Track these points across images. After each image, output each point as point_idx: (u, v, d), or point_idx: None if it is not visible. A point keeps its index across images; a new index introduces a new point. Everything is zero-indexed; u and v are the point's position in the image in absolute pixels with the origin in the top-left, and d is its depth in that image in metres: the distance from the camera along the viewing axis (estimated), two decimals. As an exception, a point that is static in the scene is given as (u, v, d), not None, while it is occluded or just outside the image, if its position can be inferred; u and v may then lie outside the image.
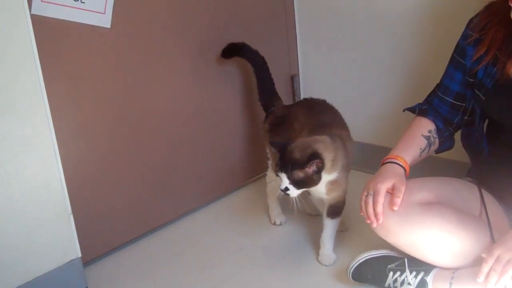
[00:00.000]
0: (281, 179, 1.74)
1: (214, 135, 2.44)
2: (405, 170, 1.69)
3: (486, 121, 1.77)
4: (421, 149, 1.76)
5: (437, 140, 1.80)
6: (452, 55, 1.77)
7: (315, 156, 1.71)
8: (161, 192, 2.25)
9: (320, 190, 1.82)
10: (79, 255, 1.87)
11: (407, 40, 2.30)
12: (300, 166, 1.70)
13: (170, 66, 2.20)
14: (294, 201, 1.76)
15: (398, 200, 1.59)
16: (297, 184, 1.73)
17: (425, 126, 1.79)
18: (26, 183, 1.70)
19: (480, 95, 1.66)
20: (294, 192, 1.74)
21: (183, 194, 2.34)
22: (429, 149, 1.78)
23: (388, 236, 1.63)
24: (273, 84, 2.27)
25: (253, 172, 2.58)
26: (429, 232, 1.58)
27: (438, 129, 1.79)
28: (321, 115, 1.99)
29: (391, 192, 1.62)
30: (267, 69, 2.26)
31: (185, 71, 2.26)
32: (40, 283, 1.77)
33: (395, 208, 1.58)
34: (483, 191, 1.72)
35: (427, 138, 1.77)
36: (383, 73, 2.44)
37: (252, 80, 2.31)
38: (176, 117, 2.27)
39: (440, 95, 1.79)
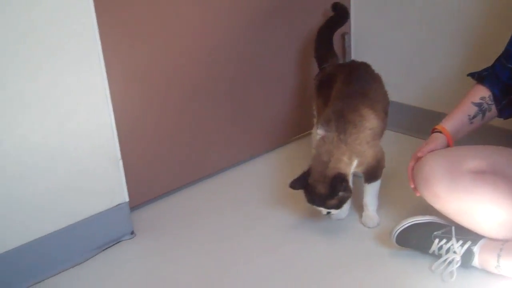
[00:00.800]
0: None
1: (267, 89, 2.42)
2: (447, 139, 1.71)
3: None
4: (469, 115, 1.72)
5: (493, 107, 1.73)
6: None
7: (336, 182, 1.73)
8: (210, 142, 2.26)
9: None
10: (127, 199, 1.91)
11: (469, 1, 2.21)
12: (329, 198, 1.75)
13: (227, 16, 2.18)
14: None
15: (421, 152, 1.67)
16: (336, 207, 1.78)
17: (478, 94, 1.74)
18: (78, 128, 1.73)
19: None
20: (337, 211, 1.81)
21: (232, 145, 2.36)
22: (482, 115, 1.73)
23: (436, 203, 1.61)
24: (331, 40, 2.23)
25: (301, 129, 2.56)
26: (479, 201, 1.55)
27: (494, 97, 1.73)
28: (357, 84, 1.96)
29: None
30: (334, 24, 2.24)
31: (242, 22, 2.23)
32: (88, 224, 1.82)
33: (420, 154, 1.67)
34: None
35: (479, 105, 1.72)
36: (440, 35, 2.35)
37: (310, 36, 2.27)
38: (231, 67, 2.25)
39: (503, 60, 1.71)
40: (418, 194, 1.66)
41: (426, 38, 2.41)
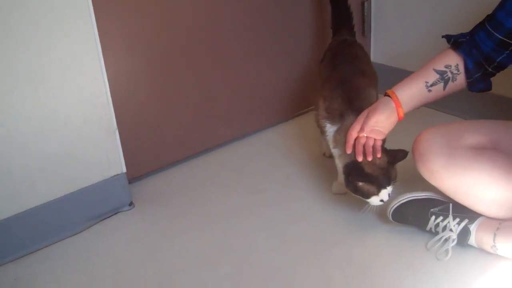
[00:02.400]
0: (384, 195, 1.60)
1: (276, 61, 2.36)
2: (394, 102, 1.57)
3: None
4: (427, 82, 1.56)
5: (459, 77, 1.57)
6: None
7: (396, 157, 1.60)
8: (212, 115, 2.23)
9: None
10: (124, 170, 1.90)
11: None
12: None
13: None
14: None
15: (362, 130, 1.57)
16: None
17: (444, 60, 1.57)
18: (71, 97, 1.71)
19: None
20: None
21: (236, 118, 2.32)
22: (444, 85, 1.57)
23: (433, 179, 1.54)
24: (345, 10, 2.16)
25: (308, 104, 2.50)
26: (476, 178, 1.48)
27: (466, 69, 1.56)
28: (356, 65, 1.89)
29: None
30: None
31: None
32: (84, 194, 1.82)
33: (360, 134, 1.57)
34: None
35: (441, 73, 1.56)
36: (463, 3, 2.23)
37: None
38: (234, 37, 2.20)
39: (489, 29, 1.51)
40: (360, 159, 1.57)
41: (451, 6, 2.30)
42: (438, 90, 1.57)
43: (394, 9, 2.57)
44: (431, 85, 1.57)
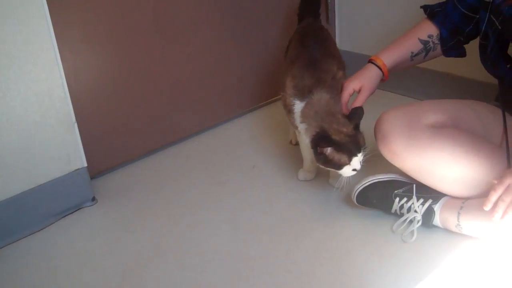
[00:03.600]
0: (356, 163, 1.57)
1: (241, 51, 2.34)
2: (382, 71, 1.67)
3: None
4: (412, 52, 1.68)
5: (438, 47, 1.69)
6: None
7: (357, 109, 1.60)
8: (176, 107, 2.20)
9: None
10: (85, 164, 1.85)
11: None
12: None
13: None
14: None
15: (356, 103, 1.61)
16: None
17: (426, 30, 1.69)
18: (27, 89, 1.67)
19: (496, 23, 1.49)
20: None
21: (200, 110, 2.28)
22: (425, 54, 1.70)
23: (395, 160, 1.53)
24: None
25: (275, 93, 2.48)
26: (438, 157, 1.47)
27: (441, 37, 1.68)
28: (322, 46, 1.86)
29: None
30: None
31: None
32: (45, 190, 1.77)
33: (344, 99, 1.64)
34: (507, 117, 1.55)
35: (424, 42, 1.68)
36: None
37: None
38: (199, 27, 2.17)
39: (455, 2, 1.63)
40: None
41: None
42: (419, 59, 1.71)
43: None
44: (415, 55, 1.69)
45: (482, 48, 1.59)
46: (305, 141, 1.69)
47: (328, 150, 1.54)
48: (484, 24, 1.54)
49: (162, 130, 2.18)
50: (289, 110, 1.72)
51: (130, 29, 1.98)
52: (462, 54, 1.72)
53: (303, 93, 1.67)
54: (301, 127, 1.67)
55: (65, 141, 1.79)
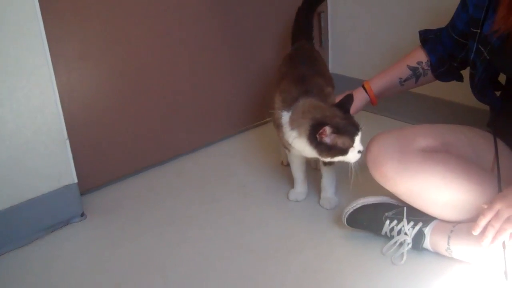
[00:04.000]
0: (358, 142, 1.57)
1: (234, 72, 2.35)
2: (369, 95, 1.79)
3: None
4: (401, 78, 1.78)
5: (429, 72, 1.77)
6: None
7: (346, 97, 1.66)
8: (169, 125, 2.20)
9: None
10: (75, 180, 1.85)
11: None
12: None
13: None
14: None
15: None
16: None
17: (416, 57, 1.78)
18: (19, 105, 1.67)
19: (485, 53, 1.51)
20: None
21: (192, 129, 2.29)
22: (416, 79, 1.79)
23: (386, 184, 1.54)
24: (307, 19, 2.14)
25: (267, 114, 2.48)
26: (428, 181, 1.47)
27: (431, 63, 1.76)
28: (313, 66, 1.87)
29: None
30: (311, 3, 2.15)
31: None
32: (34, 205, 1.77)
33: None
34: (499, 142, 1.57)
35: (413, 69, 1.77)
36: (418, 11, 2.26)
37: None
38: (194, 48, 2.19)
39: (450, 29, 1.69)
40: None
41: (404, 17, 2.32)
42: (410, 84, 1.80)
43: (350, 20, 2.59)
44: (405, 81, 1.79)
45: (471, 76, 1.61)
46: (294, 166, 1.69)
47: (328, 137, 1.54)
48: (473, 54, 1.56)
49: (154, 148, 2.18)
50: (278, 125, 1.72)
51: (124, 47, 1.99)
52: (458, 79, 1.78)
53: (290, 104, 1.68)
54: (292, 134, 1.65)
55: (57, 157, 1.79)
